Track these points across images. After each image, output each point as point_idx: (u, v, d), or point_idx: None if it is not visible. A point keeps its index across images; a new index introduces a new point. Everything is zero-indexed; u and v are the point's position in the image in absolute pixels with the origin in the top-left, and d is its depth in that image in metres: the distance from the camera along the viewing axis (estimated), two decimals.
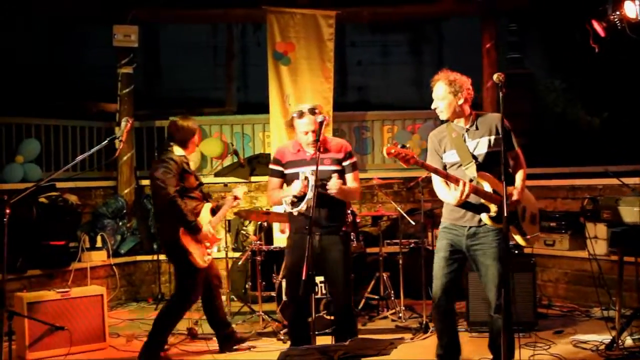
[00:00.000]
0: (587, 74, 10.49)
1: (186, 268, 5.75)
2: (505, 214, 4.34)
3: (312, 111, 5.20)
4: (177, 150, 5.81)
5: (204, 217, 5.89)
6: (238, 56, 13.29)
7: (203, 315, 7.39)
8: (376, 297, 7.61)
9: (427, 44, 15.00)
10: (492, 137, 4.88)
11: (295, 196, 5.06)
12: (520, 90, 10.47)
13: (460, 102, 4.89)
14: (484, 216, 4.77)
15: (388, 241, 8.10)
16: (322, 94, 8.89)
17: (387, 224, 8.65)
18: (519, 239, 4.98)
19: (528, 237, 4.98)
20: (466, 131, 4.93)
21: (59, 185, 8.05)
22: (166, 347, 6.21)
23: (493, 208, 4.77)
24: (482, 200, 4.77)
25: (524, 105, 10.40)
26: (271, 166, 5.44)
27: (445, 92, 4.88)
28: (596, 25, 6.80)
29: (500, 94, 4.42)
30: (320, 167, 5.00)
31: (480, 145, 4.87)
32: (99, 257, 8.21)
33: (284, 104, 8.88)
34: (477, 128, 4.93)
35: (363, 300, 7.52)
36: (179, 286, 5.93)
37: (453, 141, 4.90)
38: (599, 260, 6.82)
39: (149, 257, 8.88)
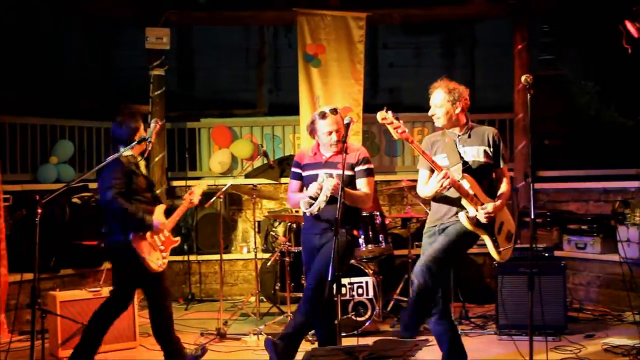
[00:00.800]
0: (621, 76, 10.35)
1: (137, 275, 5.42)
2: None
3: (334, 111, 5.22)
4: (125, 151, 5.39)
5: (158, 219, 5.48)
6: (270, 58, 13.34)
7: (233, 316, 7.48)
8: (405, 299, 7.59)
9: (459, 46, 14.90)
10: (483, 148, 4.96)
11: (311, 197, 5.04)
12: (552, 92, 10.36)
13: (457, 110, 4.96)
14: (462, 215, 4.81)
15: (417, 243, 8.03)
16: (352, 95, 8.91)
17: (416, 226, 8.61)
18: (492, 250, 4.98)
19: (501, 249, 4.97)
20: (458, 137, 5.01)
21: (92, 185, 8.14)
22: (195, 347, 6.27)
23: (471, 210, 4.81)
24: (463, 200, 4.81)
25: (557, 107, 10.29)
26: (292, 169, 5.48)
27: (443, 100, 4.96)
28: (629, 26, 6.72)
29: (529, 95, 4.42)
30: (334, 171, 5.05)
31: (469, 153, 4.95)
32: None
33: (314, 106, 8.88)
34: (469, 137, 5.01)
35: (392, 302, 7.52)
36: (119, 293, 5.55)
37: (445, 146, 4.97)
38: (631, 264, 6.74)
39: (179, 258, 8.97)
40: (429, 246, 4.96)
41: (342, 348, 3.27)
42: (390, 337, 3.68)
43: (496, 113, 9.89)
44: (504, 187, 5.07)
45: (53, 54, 10.50)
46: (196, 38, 13.56)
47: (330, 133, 5.17)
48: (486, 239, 4.93)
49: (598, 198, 8.43)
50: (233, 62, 13.87)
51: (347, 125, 4.88)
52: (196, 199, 5.77)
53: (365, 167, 5.25)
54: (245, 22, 10.79)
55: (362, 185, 5.22)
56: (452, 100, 4.92)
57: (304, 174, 5.33)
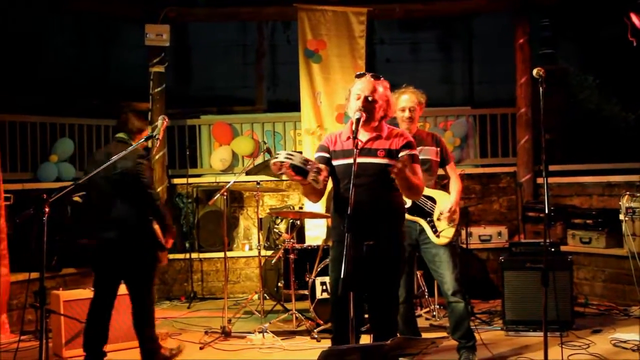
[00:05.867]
0: (621, 69, 10.33)
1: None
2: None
3: (376, 77, 4.42)
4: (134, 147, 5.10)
5: None
6: (267, 54, 13.30)
7: (237, 314, 7.43)
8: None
9: (456, 41, 14.87)
10: None
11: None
12: (553, 87, 10.34)
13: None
14: None
15: None
16: None
17: None
18: (430, 233, 5.42)
19: (439, 232, 5.40)
20: None
21: None
22: (200, 345, 6.23)
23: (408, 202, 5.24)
24: None
25: (558, 102, 10.25)
26: (316, 154, 4.52)
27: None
28: (634, 19, 6.67)
29: (541, 90, 4.37)
30: (374, 159, 4.28)
31: None
32: None
33: (315, 102, 8.83)
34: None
35: None
36: None
37: None
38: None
39: (181, 256, 8.96)
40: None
41: (358, 347, 3.22)
42: (407, 336, 3.60)
43: (498, 108, 9.85)
44: None
45: (52, 52, 10.43)
46: (192, 35, 13.50)
47: (359, 97, 4.31)
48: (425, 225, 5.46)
49: (602, 192, 8.39)
50: (230, 59, 13.81)
51: (358, 121, 4.21)
52: None
53: (410, 152, 4.34)
54: (246, 18, 10.72)
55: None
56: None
57: (335, 163, 4.37)
